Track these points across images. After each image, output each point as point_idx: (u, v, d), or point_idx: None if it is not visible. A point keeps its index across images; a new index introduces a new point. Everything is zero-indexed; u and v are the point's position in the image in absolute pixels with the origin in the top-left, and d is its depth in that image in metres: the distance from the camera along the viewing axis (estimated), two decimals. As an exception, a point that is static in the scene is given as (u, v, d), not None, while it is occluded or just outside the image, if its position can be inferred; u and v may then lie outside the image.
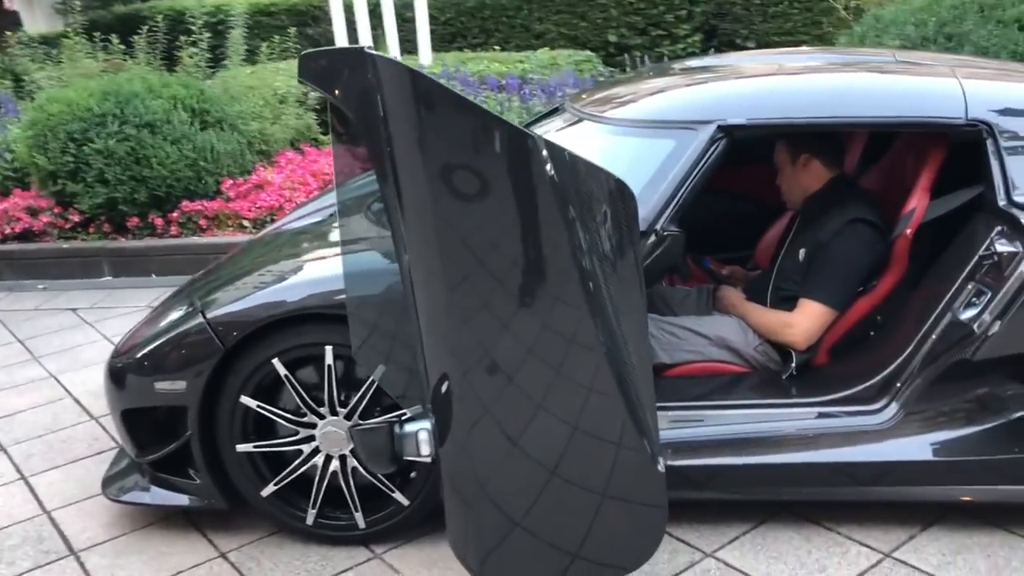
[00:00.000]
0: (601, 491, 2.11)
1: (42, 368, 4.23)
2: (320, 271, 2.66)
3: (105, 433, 3.52)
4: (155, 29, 7.35)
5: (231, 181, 5.83)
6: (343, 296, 2.46)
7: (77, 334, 4.65)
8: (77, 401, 3.84)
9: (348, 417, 2.58)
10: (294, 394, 2.57)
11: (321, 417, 2.59)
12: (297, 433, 2.62)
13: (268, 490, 2.65)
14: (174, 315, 2.73)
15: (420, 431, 2.17)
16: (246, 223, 5.56)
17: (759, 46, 12.43)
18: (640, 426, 2.09)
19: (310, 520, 2.67)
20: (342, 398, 2.56)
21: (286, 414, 2.60)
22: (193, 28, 7.01)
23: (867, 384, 2.59)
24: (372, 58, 1.91)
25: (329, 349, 2.52)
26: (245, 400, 2.58)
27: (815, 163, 2.86)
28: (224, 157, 5.81)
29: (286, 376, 2.55)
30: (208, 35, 7.07)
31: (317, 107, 7.29)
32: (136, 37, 7.33)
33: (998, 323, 2.36)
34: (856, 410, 2.58)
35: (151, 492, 2.80)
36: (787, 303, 2.83)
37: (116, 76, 6.05)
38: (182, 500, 2.75)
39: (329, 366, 2.53)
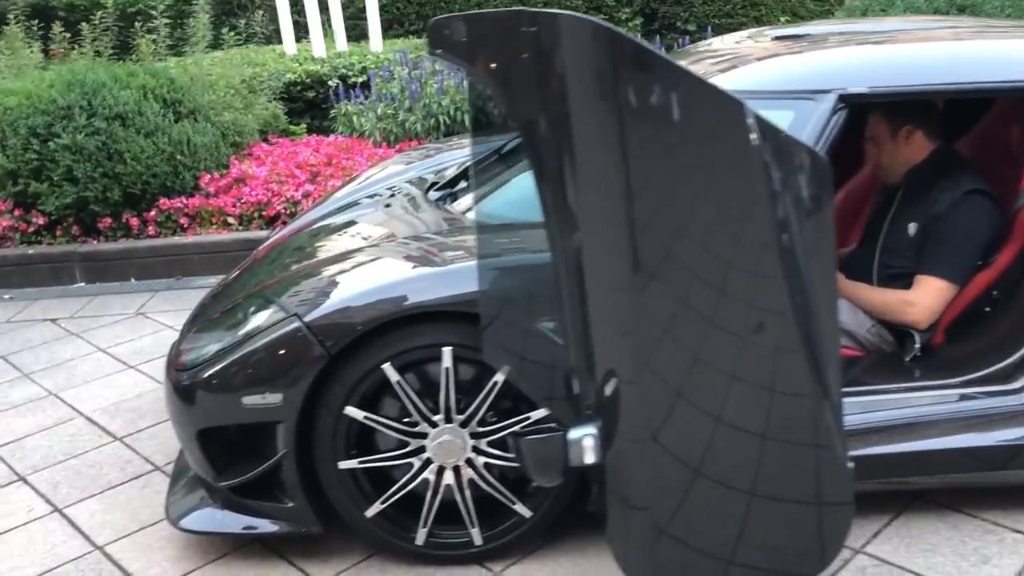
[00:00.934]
0: (792, 492, 1.94)
1: (37, 386, 3.84)
2: (438, 266, 2.39)
3: (136, 455, 3.18)
4: (105, 18, 6.85)
5: (209, 176, 5.45)
6: (467, 292, 2.22)
7: (65, 347, 4.25)
8: (91, 420, 3.48)
9: (464, 425, 2.34)
10: (408, 402, 2.31)
11: (433, 426, 2.35)
12: (407, 445, 2.37)
13: (374, 510, 2.39)
14: (255, 320, 2.43)
15: (585, 437, 1.96)
16: (231, 220, 5.20)
17: (700, 29, 12.44)
18: (835, 422, 1.92)
19: (420, 540, 2.42)
20: (461, 405, 2.32)
21: (396, 424, 2.35)
22: (153, 14, 6.54)
23: (1003, 363, 2.48)
24: (552, 17, 1.69)
25: (447, 351, 2.27)
26: (350, 411, 2.31)
27: (918, 135, 2.74)
28: (201, 150, 5.42)
29: (398, 383, 2.30)
30: (167, 21, 6.62)
31: (284, 96, 6.92)
32: (85, 25, 6.80)
33: None
34: (995, 390, 2.47)
35: (229, 519, 2.51)
36: (897, 281, 2.71)
37: (74, 65, 5.58)
38: (270, 527, 2.46)
39: (447, 369, 2.28)
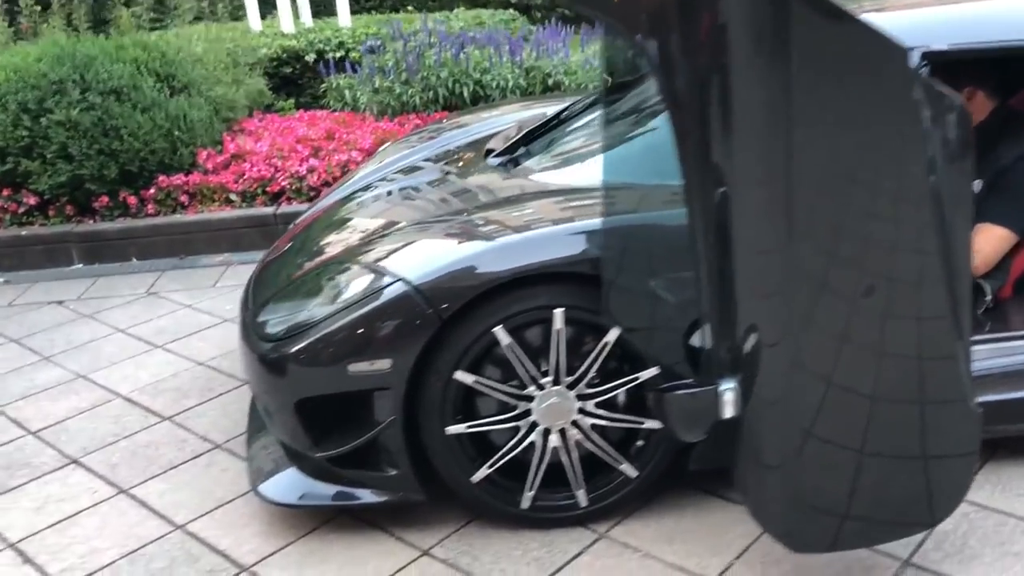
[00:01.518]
0: (930, 447, 1.98)
1: (62, 368, 3.70)
2: (551, 226, 2.35)
3: (191, 434, 3.10)
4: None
5: (206, 152, 5.30)
6: (580, 253, 2.21)
7: (80, 329, 4.10)
8: (131, 401, 3.37)
9: (571, 387, 2.33)
10: (518, 365, 2.29)
11: (541, 388, 2.33)
12: (514, 408, 2.35)
13: (481, 474, 2.37)
14: (352, 287, 2.37)
15: (726, 391, 1.96)
16: (233, 197, 5.07)
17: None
18: (967, 370, 1.96)
19: (526, 503, 2.41)
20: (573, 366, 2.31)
21: (506, 388, 2.32)
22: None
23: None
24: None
25: (559, 312, 2.25)
26: (460, 376, 2.28)
27: (979, 95, 2.79)
28: (198, 126, 5.27)
29: (509, 346, 2.27)
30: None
31: (268, 71, 6.77)
32: (56, -2, 6.55)
33: None
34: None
35: (324, 491, 2.46)
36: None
37: (59, 38, 5.36)
38: (373, 497, 2.42)
39: (559, 331, 2.27)
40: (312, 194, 5.03)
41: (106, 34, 6.14)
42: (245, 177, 5.11)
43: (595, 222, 2.28)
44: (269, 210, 4.97)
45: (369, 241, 2.63)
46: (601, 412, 2.35)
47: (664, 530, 2.42)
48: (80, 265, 4.97)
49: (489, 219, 2.50)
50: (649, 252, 2.15)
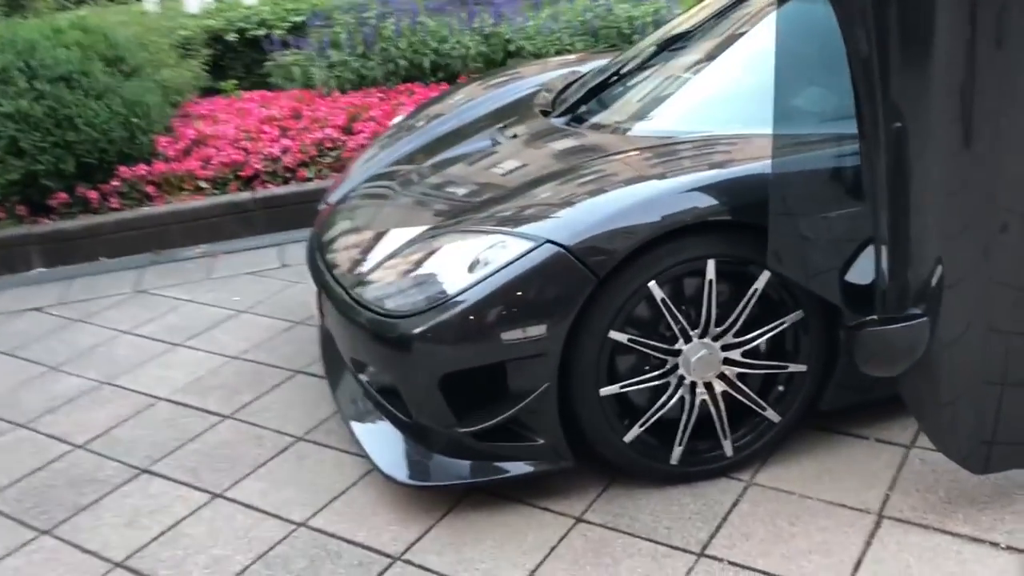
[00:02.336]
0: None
1: (79, 377, 3.42)
2: (707, 173, 2.31)
3: (265, 429, 2.93)
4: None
5: (165, 140, 4.98)
6: (734, 199, 2.20)
7: (77, 334, 3.80)
8: (178, 403, 3.15)
9: (716, 338, 2.32)
10: (672, 320, 2.26)
11: (688, 341, 2.31)
12: (664, 364, 2.32)
13: (633, 434, 2.34)
14: (491, 255, 2.27)
15: (924, 325, 1.99)
16: (204, 184, 4.79)
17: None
18: None
19: (675, 458, 2.39)
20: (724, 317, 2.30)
21: (658, 344, 2.29)
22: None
23: None
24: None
25: (712, 263, 2.23)
26: (615, 335, 2.24)
27: None
28: (154, 111, 4.94)
29: (663, 300, 2.24)
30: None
31: (212, 54, 6.40)
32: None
33: None
34: None
35: (465, 469, 2.37)
36: None
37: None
38: (523, 468, 2.35)
39: (711, 282, 2.25)
40: (288, 175, 4.81)
41: (23, 16, 5.65)
42: (213, 162, 4.83)
43: (740, 169, 2.27)
44: (246, 195, 4.72)
45: (484, 205, 2.53)
46: (748, 360, 2.35)
47: (809, 471, 2.45)
48: (41, 269, 4.58)
49: (615, 173, 2.45)
50: (815, 193, 2.15)
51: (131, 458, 2.85)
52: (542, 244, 2.21)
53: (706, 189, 2.24)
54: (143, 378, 3.36)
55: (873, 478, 2.39)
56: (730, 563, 2.16)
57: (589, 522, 2.35)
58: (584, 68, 3.63)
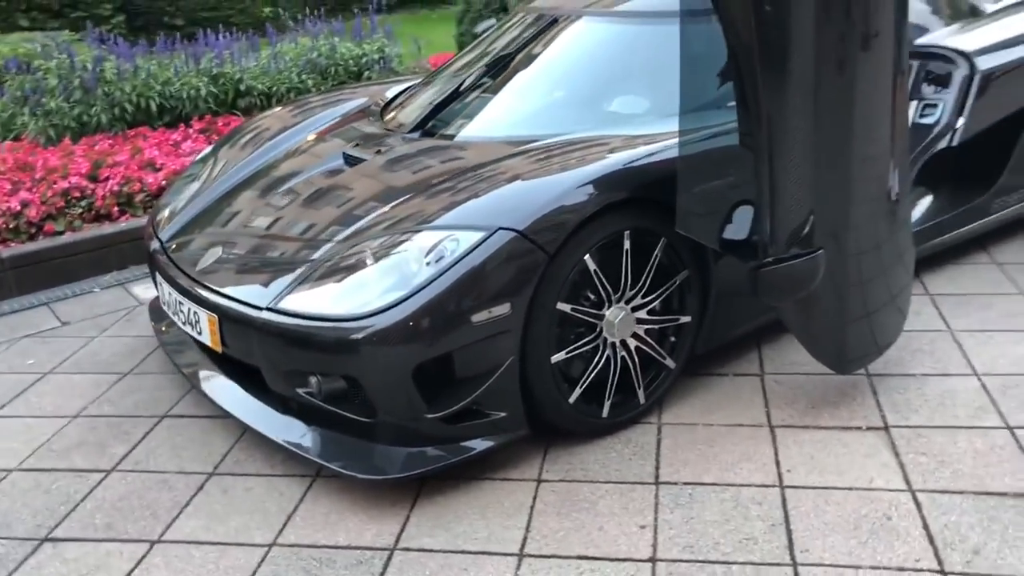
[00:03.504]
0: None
1: None
2: (612, 160, 2.66)
3: (165, 474, 2.77)
4: None
5: None
6: (647, 180, 2.60)
7: None
8: (40, 470, 2.85)
9: (628, 301, 2.70)
10: (600, 288, 2.60)
11: (610, 306, 2.66)
12: (596, 328, 2.65)
13: (576, 394, 2.63)
14: (443, 248, 2.44)
15: (819, 258, 2.52)
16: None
17: (189, 24, 12.31)
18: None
19: (606, 412, 2.72)
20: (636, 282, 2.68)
21: (591, 311, 2.61)
22: None
23: None
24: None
25: (627, 235, 2.61)
26: (561, 306, 2.53)
27: None
28: None
29: (595, 271, 2.57)
30: None
31: None
32: None
33: None
34: None
35: (430, 454, 2.51)
36: None
37: None
38: (484, 443, 2.53)
39: (626, 251, 2.63)
40: (33, 231, 4.40)
41: None
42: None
43: (636, 157, 2.67)
44: (-5, 253, 4.25)
45: (398, 209, 2.67)
46: (653, 318, 2.75)
47: (699, 407, 2.91)
48: None
49: (523, 168, 2.73)
50: (712, 171, 2.60)
51: (16, 532, 2.55)
52: (495, 231, 2.44)
53: (618, 174, 2.61)
54: (-29, 454, 2.97)
55: (750, 402, 2.91)
56: (684, 483, 2.53)
57: (549, 480, 2.59)
58: (388, 93, 3.86)
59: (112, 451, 2.91)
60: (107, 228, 4.50)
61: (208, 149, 3.80)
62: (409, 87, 3.92)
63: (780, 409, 2.86)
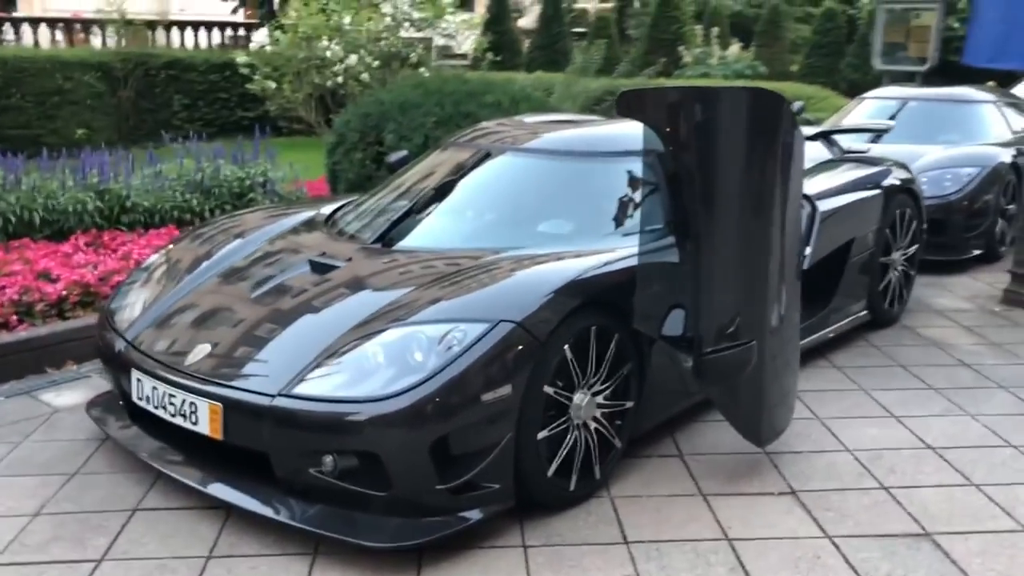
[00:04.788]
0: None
1: None
2: (587, 264, 3.21)
3: (159, 560, 2.86)
4: None
5: None
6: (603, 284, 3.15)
7: None
8: (21, 564, 2.84)
9: (589, 387, 3.17)
10: (574, 374, 3.05)
11: (578, 391, 3.11)
12: (566, 410, 3.08)
13: (552, 467, 3.03)
14: (450, 338, 2.82)
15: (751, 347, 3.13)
16: None
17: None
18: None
19: (572, 485, 3.13)
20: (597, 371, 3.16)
21: (565, 394, 3.05)
22: None
23: None
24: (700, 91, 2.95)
25: (593, 329, 3.10)
26: (547, 389, 2.95)
27: None
28: None
29: (571, 360, 3.03)
30: None
31: None
32: None
33: None
34: None
35: (430, 525, 2.80)
36: None
37: None
38: (479, 514, 2.86)
39: (592, 344, 3.11)
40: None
41: None
42: None
43: (600, 264, 3.20)
44: None
45: (397, 301, 3.05)
46: (608, 402, 3.23)
47: (640, 480, 3.38)
48: None
49: (502, 270, 3.18)
50: (662, 277, 3.17)
51: None
52: (497, 323, 2.86)
53: (592, 277, 3.13)
54: None
55: (679, 476, 3.42)
56: (650, 541, 2.97)
57: (535, 546, 2.94)
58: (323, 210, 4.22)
59: (93, 543, 2.95)
60: (6, 337, 4.43)
61: (153, 257, 3.95)
62: (343, 205, 4.29)
63: (706, 480, 3.39)
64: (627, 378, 3.29)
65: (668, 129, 3.03)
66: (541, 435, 2.96)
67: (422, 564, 2.82)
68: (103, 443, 3.65)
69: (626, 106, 3.05)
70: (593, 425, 3.18)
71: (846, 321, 4.80)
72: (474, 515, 2.85)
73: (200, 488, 3.04)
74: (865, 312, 4.98)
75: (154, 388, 3.12)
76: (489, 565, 2.83)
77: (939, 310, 5.64)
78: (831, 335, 4.72)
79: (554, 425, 3.02)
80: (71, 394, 4.21)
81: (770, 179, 3.10)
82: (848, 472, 3.46)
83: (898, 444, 3.70)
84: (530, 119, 4.69)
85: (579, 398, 3.10)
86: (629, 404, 3.32)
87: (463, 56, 17.08)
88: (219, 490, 3.01)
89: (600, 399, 3.19)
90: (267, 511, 2.89)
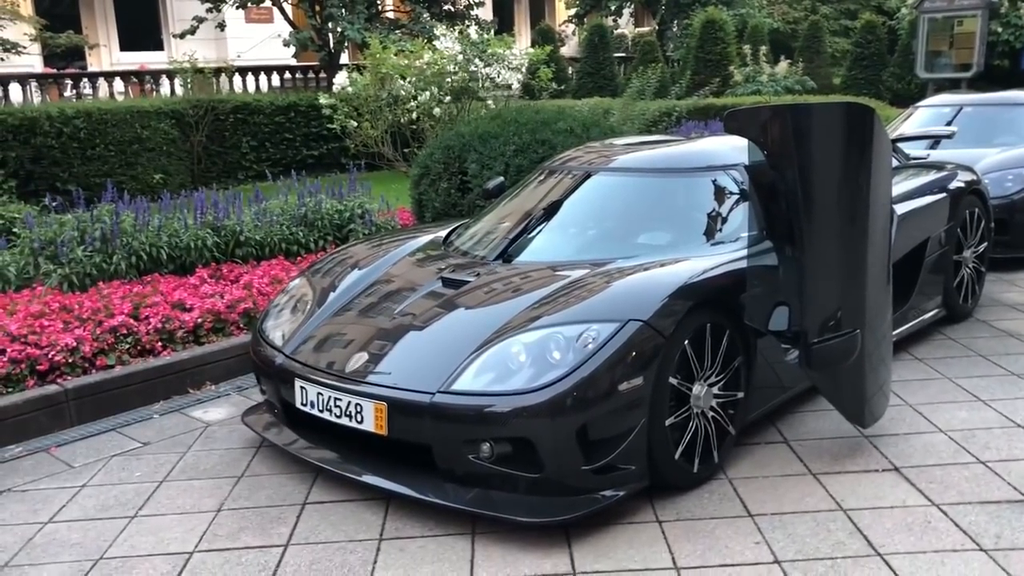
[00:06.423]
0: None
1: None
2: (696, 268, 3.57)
3: (333, 544, 3.25)
4: None
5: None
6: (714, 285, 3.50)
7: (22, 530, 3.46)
8: (222, 550, 3.25)
9: (706, 379, 3.51)
10: (693, 367, 3.41)
11: (697, 382, 3.46)
12: (687, 399, 3.43)
13: (679, 450, 3.38)
14: (586, 336, 3.19)
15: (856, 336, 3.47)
16: (-8, 383, 4.48)
17: (81, 188, 12.58)
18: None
19: (696, 468, 3.47)
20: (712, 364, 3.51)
21: (686, 385, 3.40)
22: None
23: None
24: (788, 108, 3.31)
25: (708, 326, 3.46)
26: (672, 380, 3.31)
27: None
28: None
29: (691, 354, 3.38)
30: None
31: None
32: None
33: None
34: None
35: (572, 503, 3.15)
36: None
37: None
38: (617, 492, 3.21)
39: (708, 340, 3.46)
40: (86, 365, 4.75)
41: None
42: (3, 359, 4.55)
43: (708, 268, 3.56)
44: (54, 388, 4.54)
45: (533, 310, 3.43)
46: (723, 392, 3.57)
47: (751, 464, 3.70)
48: None
49: (632, 273, 3.55)
50: (769, 277, 3.53)
51: (237, 593, 2.96)
52: (627, 322, 3.23)
53: (700, 280, 3.49)
54: (143, 544, 3.32)
55: (789, 459, 3.74)
56: (772, 514, 3.30)
57: (667, 520, 3.28)
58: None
59: (276, 531, 3.35)
60: (153, 361, 4.89)
61: (295, 282, 4.39)
62: (455, 229, 4.71)
63: (813, 461, 3.70)
64: (737, 371, 3.63)
65: (770, 142, 3.39)
66: (668, 422, 3.31)
67: (571, 539, 3.17)
68: (259, 450, 4.07)
69: (734, 124, 3.42)
70: (711, 414, 3.52)
71: (925, 317, 5.09)
72: (615, 493, 3.20)
73: (370, 482, 3.43)
74: (940, 308, 5.26)
75: (319, 394, 3.53)
76: (632, 538, 3.17)
77: (1010, 304, 5.89)
78: (913, 330, 5.01)
79: (678, 413, 3.37)
80: (217, 410, 4.65)
81: (864, 186, 3.44)
82: (945, 449, 3.75)
83: (988, 424, 3.99)
84: (620, 142, 5.07)
85: (698, 389, 3.45)
86: (740, 395, 3.65)
87: (508, 87, 17.59)
88: (383, 483, 3.40)
89: (715, 390, 3.53)
90: (431, 497, 3.26)
